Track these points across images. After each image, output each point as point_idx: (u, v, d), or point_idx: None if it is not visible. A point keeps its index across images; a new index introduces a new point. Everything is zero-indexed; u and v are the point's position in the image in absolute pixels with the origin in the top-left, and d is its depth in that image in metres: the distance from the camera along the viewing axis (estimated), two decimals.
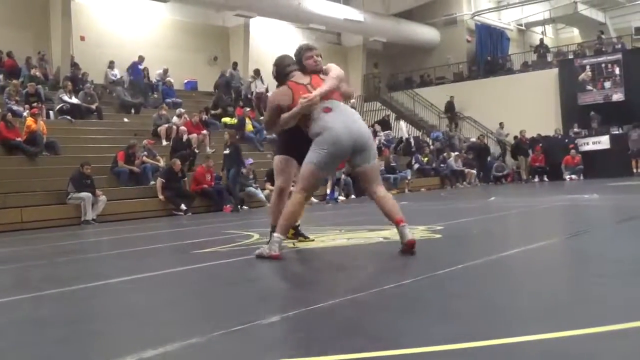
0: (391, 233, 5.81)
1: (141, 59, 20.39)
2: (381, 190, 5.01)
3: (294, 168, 5.61)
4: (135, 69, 20.18)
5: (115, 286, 4.52)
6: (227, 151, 14.83)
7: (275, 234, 4.97)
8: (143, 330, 3.05)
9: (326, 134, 4.84)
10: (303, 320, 3.03)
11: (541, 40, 30.19)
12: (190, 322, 3.16)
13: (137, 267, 5.49)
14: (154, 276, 4.81)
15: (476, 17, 30.06)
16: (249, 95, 21.83)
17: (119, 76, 20.07)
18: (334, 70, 5.32)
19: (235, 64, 22.67)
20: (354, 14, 25.91)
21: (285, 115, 5.05)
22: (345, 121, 4.91)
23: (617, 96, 23.47)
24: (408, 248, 4.71)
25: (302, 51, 5.36)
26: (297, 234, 6.10)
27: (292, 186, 5.49)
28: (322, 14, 24.52)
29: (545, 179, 21.98)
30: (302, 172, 5.01)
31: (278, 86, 5.42)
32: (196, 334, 2.73)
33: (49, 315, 3.52)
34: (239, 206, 14.47)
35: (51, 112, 16.35)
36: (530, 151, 22.58)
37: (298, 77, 5.22)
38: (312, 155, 4.90)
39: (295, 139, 5.30)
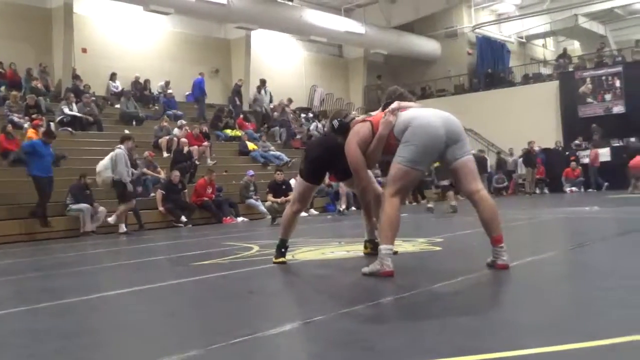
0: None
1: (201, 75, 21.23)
2: (483, 192, 4.49)
3: (312, 194, 5.69)
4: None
5: (113, 298, 4.51)
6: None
7: (382, 246, 4.39)
8: (141, 343, 3.03)
9: (415, 124, 4.37)
10: (301, 333, 3.02)
11: (564, 49, 30.04)
12: (188, 334, 3.15)
13: (136, 280, 5.47)
14: (152, 288, 4.80)
15: (477, 30, 30.14)
16: (257, 109, 21.90)
17: (120, 88, 20.14)
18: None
19: (263, 82, 22.54)
20: (355, 27, 26.00)
21: (372, 145, 4.61)
22: (432, 110, 4.58)
23: (618, 108, 23.49)
24: (496, 268, 4.38)
25: (397, 94, 4.94)
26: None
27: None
28: (323, 26, 24.60)
29: (546, 190, 21.99)
30: (394, 173, 4.43)
31: (340, 140, 4.98)
32: (194, 347, 2.72)
33: (46, 328, 3.50)
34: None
35: (52, 124, 16.36)
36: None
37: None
38: (402, 153, 4.38)
39: (325, 168, 5.31)
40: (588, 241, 6.37)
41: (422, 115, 4.44)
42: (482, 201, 4.43)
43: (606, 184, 20.60)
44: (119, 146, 12.56)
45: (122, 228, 12.52)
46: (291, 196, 13.52)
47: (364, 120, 4.82)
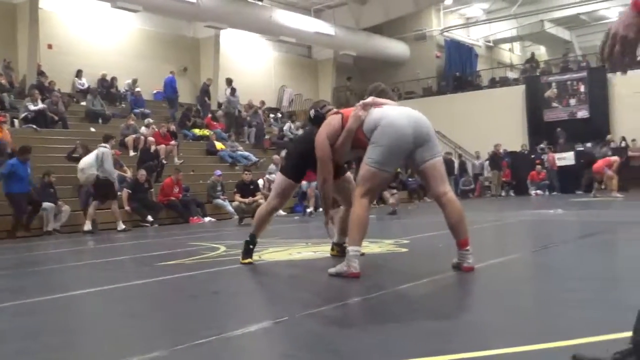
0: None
1: (172, 73, 21.05)
2: (451, 195, 4.48)
3: (292, 193, 5.56)
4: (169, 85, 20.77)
5: (77, 298, 4.44)
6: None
7: (350, 248, 4.38)
8: (103, 344, 3.00)
9: (383, 123, 4.35)
10: (267, 333, 3.01)
11: (532, 54, 30.40)
12: (152, 335, 3.12)
13: (100, 279, 5.41)
14: (116, 289, 4.74)
15: (445, 33, 30.43)
16: (231, 110, 21.75)
17: (86, 85, 19.87)
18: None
19: (229, 80, 22.35)
20: (324, 28, 26.04)
21: (340, 138, 4.61)
22: (403, 110, 4.52)
23: (582, 113, 23.94)
24: (462, 271, 4.39)
25: (378, 91, 4.97)
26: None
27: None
28: (293, 26, 24.59)
29: (512, 193, 22.27)
30: (362, 174, 4.44)
31: (316, 129, 4.96)
32: (158, 348, 2.70)
33: (7, 328, 3.44)
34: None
35: (16, 121, 16.09)
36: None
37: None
38: (371, 154, 4.37)
39: (308, 164, 5.14)
40: (551, 244, 6.46)
41: (391, 115, 4.41)
42: (449, 204, 4.43)
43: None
44: (104, 145, 12.44)
45: (120, 225, 12.47)
46: (259, 196, 13.63)
47: (337, 112, 4.83)
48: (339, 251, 5.58)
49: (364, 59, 29.08)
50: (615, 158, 17.74)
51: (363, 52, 28.19)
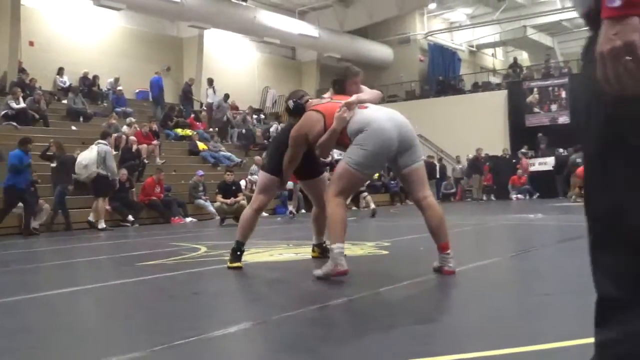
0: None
1: (157, 74, 20.83)
2: (431, 199, 4.48)
3: (275, 189, 5.35)
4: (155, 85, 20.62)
5: (54, 298, 4.41)
6: (54, 164, 13.05)
7: (334, 246, 4.28)
8: (81, 345, 2.97)
9: (370, 129, 4.27)
10: (246, 335, 3.01)
11: (515, 59, 30.59)
12: (131, 336, 3.10)
13: (79, 279, 5.37)
14: (95, 288, 4.71)
15: (429, 37, 30.57)
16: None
17: (68, 83, 19.71)
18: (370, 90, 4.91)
19: (210, 80, 22.29)
20: (308, 30, 26.06)
21: (323, 138, 4.52)
22: (388, 113, 4.46)
23: (563, 119, 24.15)
24: (443, 274, 4.38)
25: (349, 73, 4.93)
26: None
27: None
28: (277, 28, 24.57)
29: (493, 197, 22.39)
30: (340, 172, 4.39)
31: (293, 120, 4.93)
32: (137, 349, 2.68)
33: None
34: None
35: None
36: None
37: (319, 102, 4.83)
38: (352, 154, 4.31)
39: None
40: (531, 248, 6.51)
41: (378, 120, 4.34)
42: (429, 208, 4.43)
43: (537, 193, 21.27)
44: (103, 142, 12.69)
45: (101, 224, 12.46)
46: (241, 197, 13.60)
47: (317, 111, 4.67)
48: (320, 252, 5.57)
49: (348, 61, 29.03)
50: None
51: (347, 54, 28.19)
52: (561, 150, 22.30)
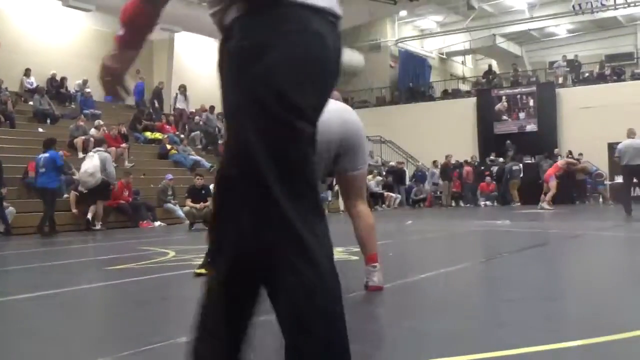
0: None
1: (142, 79, 21.03)
2: (362, 207, 4.26)
3: None
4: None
5: (17, 303, 4.34)
6: None
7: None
8: (45, 350, 2.94)
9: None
10: None
11: (489, 66, 30.87)
12: (97, 341, 3.07)
13: (44, 284, 5.28)
14: (61, 293, 4.65)
15: (400, 44, 30.75)
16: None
17: (35, 84, 19.43)
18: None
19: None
20: None
21: None
22: (337, 108, 3.96)
23: (531, 127, 24.54)
24: (369, 290, 4.13)
25: None
26: None
27: None
28: None
29: (462, 204, 22.60)
30: None
31: None
32: (103, 354, 2.66)
33: None
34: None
35: None
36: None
37: None
38: None
39: None
40: (497, 254, 6.59)
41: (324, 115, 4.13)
42: (359, 218, 4.24)
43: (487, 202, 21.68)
44: (101, 149, 13.58)
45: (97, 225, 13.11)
46: (210, 201, 13.50)
47: None
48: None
49: None
50: (564, 160, 18.35)
51: None
52: (529, 157, 22.67)
